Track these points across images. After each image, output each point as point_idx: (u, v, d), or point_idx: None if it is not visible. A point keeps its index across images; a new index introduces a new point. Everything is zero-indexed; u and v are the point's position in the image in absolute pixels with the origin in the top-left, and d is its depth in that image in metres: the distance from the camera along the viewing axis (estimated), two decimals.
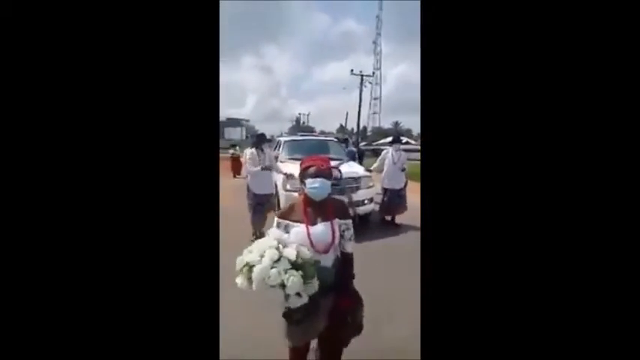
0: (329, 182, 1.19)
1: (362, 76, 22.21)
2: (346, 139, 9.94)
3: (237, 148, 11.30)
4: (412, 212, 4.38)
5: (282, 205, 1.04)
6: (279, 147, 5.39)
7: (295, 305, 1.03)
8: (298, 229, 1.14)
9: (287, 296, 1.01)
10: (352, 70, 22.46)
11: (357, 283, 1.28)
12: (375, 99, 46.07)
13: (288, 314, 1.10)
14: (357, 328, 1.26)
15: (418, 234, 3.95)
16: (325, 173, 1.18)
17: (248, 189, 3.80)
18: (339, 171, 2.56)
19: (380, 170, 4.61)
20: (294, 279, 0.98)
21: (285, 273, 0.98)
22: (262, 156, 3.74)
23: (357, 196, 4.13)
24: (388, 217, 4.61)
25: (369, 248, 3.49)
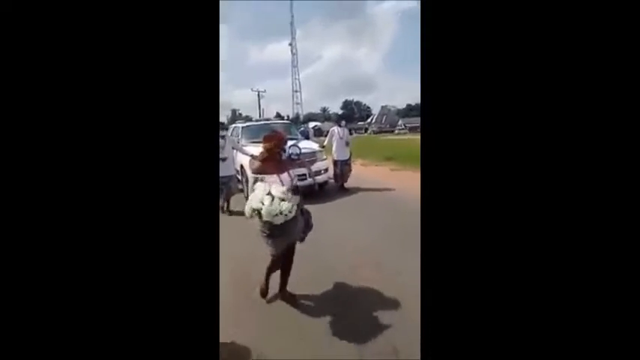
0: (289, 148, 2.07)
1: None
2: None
3: None
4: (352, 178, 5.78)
5: (249, 180, 1.78)
6: (237, 133, 6.00)
7: (288, 219, 1.79)
8: (272, 177, 1.90)
9: (285, 216, 1.77)
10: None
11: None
12: (296, 91, 52.19)
13: (272, 231, 1.82)
14: (310, 227, 2.13)
15: (362, 192, 5.38)
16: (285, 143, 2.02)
17: None
18: (299, 147, 3.38)
19: (330, 146, 5.63)
20: (285, 204, 1.76)
21: (279, 204, 1.76)
22: (223, 142, 4.23)
23: (315, 167, 5.09)
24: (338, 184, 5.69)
25: (331, 205, 4.73)
